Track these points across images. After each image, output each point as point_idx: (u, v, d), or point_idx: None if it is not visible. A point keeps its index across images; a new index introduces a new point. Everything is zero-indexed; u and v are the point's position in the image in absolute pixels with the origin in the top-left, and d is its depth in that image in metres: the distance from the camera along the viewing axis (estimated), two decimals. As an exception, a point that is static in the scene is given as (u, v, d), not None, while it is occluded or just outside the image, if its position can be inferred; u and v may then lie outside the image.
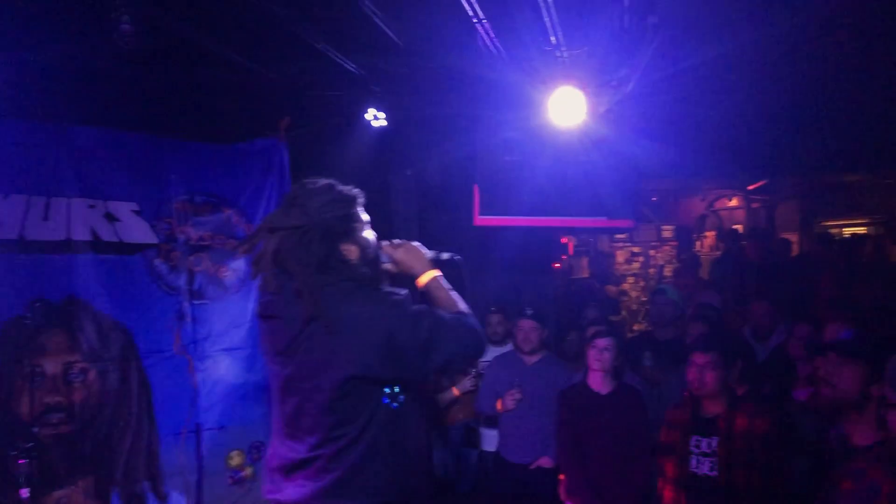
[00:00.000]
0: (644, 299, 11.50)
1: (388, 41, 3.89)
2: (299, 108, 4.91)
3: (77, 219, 4.51)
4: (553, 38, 3.53)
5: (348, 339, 2.35)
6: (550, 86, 4.08)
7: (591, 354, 4.55)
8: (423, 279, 2.63)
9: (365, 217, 2.59)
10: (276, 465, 2.53)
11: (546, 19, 3.26)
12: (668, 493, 3.86)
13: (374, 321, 2.35)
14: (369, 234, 2.58)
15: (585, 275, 11.75)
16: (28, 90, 4.22)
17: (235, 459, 5.03)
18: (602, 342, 4.54)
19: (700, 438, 3.73)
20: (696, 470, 3.71)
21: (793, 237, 10.92)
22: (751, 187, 11.52)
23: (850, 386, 2.62)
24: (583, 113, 4.15)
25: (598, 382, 4.55)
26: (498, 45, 3.64)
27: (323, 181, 2.56)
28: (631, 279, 12.63)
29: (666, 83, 3.99)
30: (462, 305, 2.56)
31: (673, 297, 5.66)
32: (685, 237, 12.55)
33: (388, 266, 2.65)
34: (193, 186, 4.99)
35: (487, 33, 3.45)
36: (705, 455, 3.69)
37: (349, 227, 2.50)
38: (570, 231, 9.48)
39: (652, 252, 12.87)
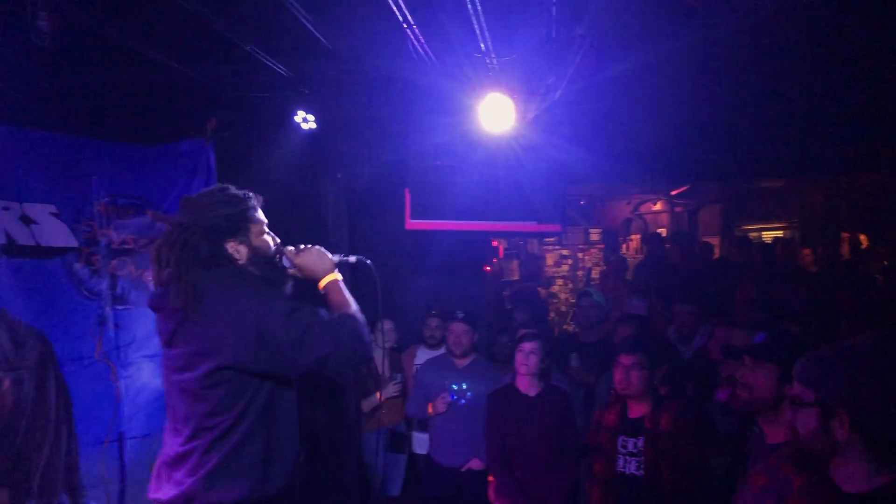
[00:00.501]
0: (573, 301, 11.71)
1: (318, 44, 3.86)
2: (227, 110, 4.83)
3: (-9, 220, 4.33)
4: (482, 46, 3.57)
5: (219, 330, 2.44)
6: (480, 92, 4.12)
7: (518, 358, 4.62)
8: (323, 282, 2.72)
9: (260, 219, 2.72)
10: (160, 462, 2.64)
11: (475, 26, 3.29)
12: (595, 493, 3.94)
13: (246, 314, 2.42)
14: (263, 237, 2.71)
15: (516, 277, 11.88)
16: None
17: (161, 468, 4.90)
18: (528, 346, 4.61)
19: (627, 438, 3.83)
20: (623, 469, 3.81)
21: (714, 241, 11.29)
22: (674, 192, 11.85)
23: (764, 387, 2.73)
24: (512, 119, 4.21)
25: (526, 385, 4.61)
26: (428, 50, 3.65)
27: (218, 185, 2.74)
28: (560, 281, 12.86)
29: (593, 91, 4.07)
30: (353, 309, 2.63)
31: (598, 300, 5.78)
32: (612, 240, 12.83)
33: (291, 271, 2.78)
34: (116, 188, 4.84)
35: (417, 39, 3.47)
36: (632, 455, 3.78)
37: (236, 227, 2.62)
38: (500, 235, 9.58)
39: (580, 255, 13.13)
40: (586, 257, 13.11)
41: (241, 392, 2.47)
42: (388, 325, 5.80)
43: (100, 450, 4.69)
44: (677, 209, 12.99)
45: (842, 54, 4.13)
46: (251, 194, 2.73)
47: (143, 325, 4.90)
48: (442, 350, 5.80)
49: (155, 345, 4.90)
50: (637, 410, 3.86)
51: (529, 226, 4.80)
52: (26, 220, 4.48)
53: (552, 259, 13.16)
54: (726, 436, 3.89)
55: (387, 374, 5.80)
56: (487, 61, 3.74)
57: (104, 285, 4.80)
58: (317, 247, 2.83)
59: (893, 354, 1.84)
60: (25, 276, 4.45)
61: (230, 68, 4.22)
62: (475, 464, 5.14)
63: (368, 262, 2.97)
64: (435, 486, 5.37)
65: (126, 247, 4.86)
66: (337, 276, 2.76)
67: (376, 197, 5.55)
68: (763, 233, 11.97)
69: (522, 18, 3.42)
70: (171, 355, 2.58)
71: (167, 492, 2.53)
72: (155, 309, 2.63)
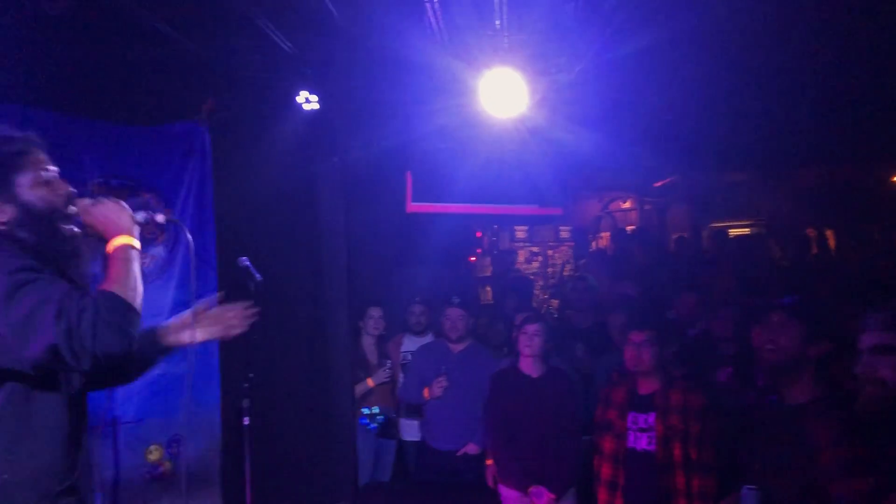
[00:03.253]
0: (545, 296, 11.78)
1: (328, 18, 3.82)
2: (226, 90, 4.76)
3: (-19, 201, 4.19)
4: (498, 23, 3.58)
5: None
6: (488, 72, 4.13)
7: (522, 340, 4.63)
8: (112, 245, 2.10)
9: (35, 165, 2.11)
10: None
11: (496, 1, 3.30)
12: (605, 470, 3.98)
13: None
14: (39, 188, 2.09)
15: (488, 273, 11.92)
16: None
17: (154, 454, 4.81)
18: (532, 328, 4.63)
19: (637, 415, 3.88)
20: (633, 445, 3.85)
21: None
22: (658, 184, 11.90)
23: (792, 344, 2.78)
24: (519, 100, 4.23)
25: (529, 366, 4.63)
26: (441, 26, 3.65)
27: None
28: (531, 278, 12.93)
29: (605, 70, 4.11)
30: (133, 292, 2.00)
31: (592, 284, 5.85)
32: (582, 238, 12.95)
33: (74, 230, 2.15)
34: (110, 169, 4.74)
35: (435, 13, 3.46)
36: (642, 430, 3.84)
37: None
38: (502, 218, 9.51)
39: (550, 252, 13.22)
40: (556, 254, 13.21)
41: None
42: (376, 311, 5.80)
43: (93, 435, 4.57)
44: (646, 207, 13.17)
45: (869, 34, 4.18)
46: (19, 134, 2.13)
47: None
48: (428, 337, 5.81)
49: (150, 328, 4.85)
50: (647, 387, 3.91)
51: (532, 209, 4.83)
52: (19, 200, 4.35)
53: (523, 256, 13.21)
54: (728, 412, 3.97)
55: (374, 360, 5.79)
56: (500, 38, 3.75)
57: (97, 268, 4.68)
58: (118, 201, 2.20)
59: None
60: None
61: (234, 42, 4.15)
62: (471, 448, 5.15)
63: (255, 272, 2.44)
64: (429, 471, 5.36)
65: (121, 228, 4.75)
66: (132, 241, 2.13)
67: (375, 181, 5.52)
68: (731, 230, 12.21)
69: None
70: None
71: None
72: None
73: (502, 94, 4.24)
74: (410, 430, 5.71)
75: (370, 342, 5.82)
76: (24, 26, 3.78)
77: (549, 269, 13.04)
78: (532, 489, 4.41)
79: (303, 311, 5.58)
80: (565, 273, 12.06)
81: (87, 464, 2.23)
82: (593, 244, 13.16)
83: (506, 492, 4.56)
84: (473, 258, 7.80)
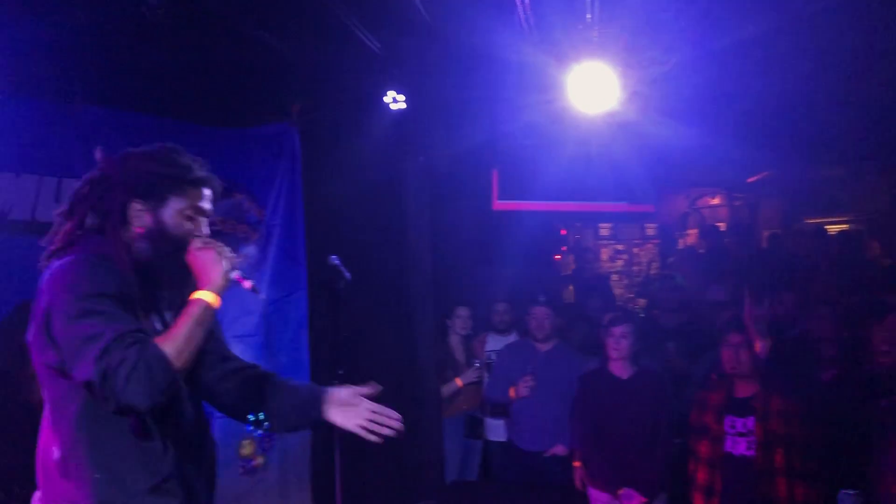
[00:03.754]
0: (630, 296, 11.57)
1: (416, 18, 3.82)
2: (315, 91, 4.83)
3: (88, 201, 4.37)
4: (588, 16, 3.51)
5: (37, 299, 2.06)
6: (577, 67, 4.06)
7: (609, 342, 4.53)
8: (195, 294, 2.10)
9: (191, 200, 2.18)
10: None
11: (587, -6, 3.23)
12: (701, 475, 3.88)
13: (46, 294, 2.00)
14: (182, 220, 2.16)
15: (569, 272, 11.78)
16: (38, 67, 4.09)
17: (247, 448, 4.92)
18: (619, 329, 4.52)
19: (735, 419, 3.76)
20: (731, 450, 3.73)
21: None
22: (751, 179, 11.46)
23: None
24: (608, 95, 4.14)
25: (619, 368, 4.53)
26: (530, 22, 3.60)
27: (170, 145, 2.25)
28: (615, 277, 12.70)
29: (700, 63, 3.97)
30: (184, 352, 1.98)
31: (681, 283, 5.68)
32: (668, 235, 12.64)
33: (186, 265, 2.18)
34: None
35: (524, 9, 3.41)
36: (741, 435, 3.72)
37: (151, 190, 2.13)
38: (590, 216, 9.34)
39: (635, 250, 12.97)
40: (641, 252, 12.95)
41: (51, 380, 2.05)
42: (464, 311, 5.79)
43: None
44: (736, 203, 12.76)
45: None
46: (198, 170, 2.22)
47: (231, 307, 4.91)
48: (512, 336, 5.78)
49: (244, 325, 4.96)
50: (744, 390, 3.78)
51: (621, 206, 4.72)
52: (120, 201, 4.52)
53: (606, 254, 13.01)
54: (836, 415, 3.80)
55: (462, 360, 5.79)
56: (590, 33, 3.67)
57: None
58: (225, 252, 2.19)
59: None
60: (120, 255, 4.49)
61: (323, 44, 4.20)
62: (559, 449, 5.08)
63: (345, 272, 2.41)
64: (515, 471, 5.33)
65: (215, 228, 4.87)
66: (212, 299, 2.10)
67: (460, 179, 5.51)
68: (826, 226, 11.70)
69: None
70: None
71: None
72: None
73: (592, 89, 4.16)
74: (496, 430, 5.69)
75: (457, 341, 5.83)
76: (120, 32, 3.92)
77: (635, 268, 12.80)
78: (622, 492, 4.33)
79: (389, 309, 5.62)
80: (651, 272, 11.81)
81: (200, 457, 2.28)
82: (680, 242, 12.84)
83: (595, 494, 4.49)
84: (559, 256, 7.70)
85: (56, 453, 2.07)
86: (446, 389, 5.66)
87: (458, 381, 5.65)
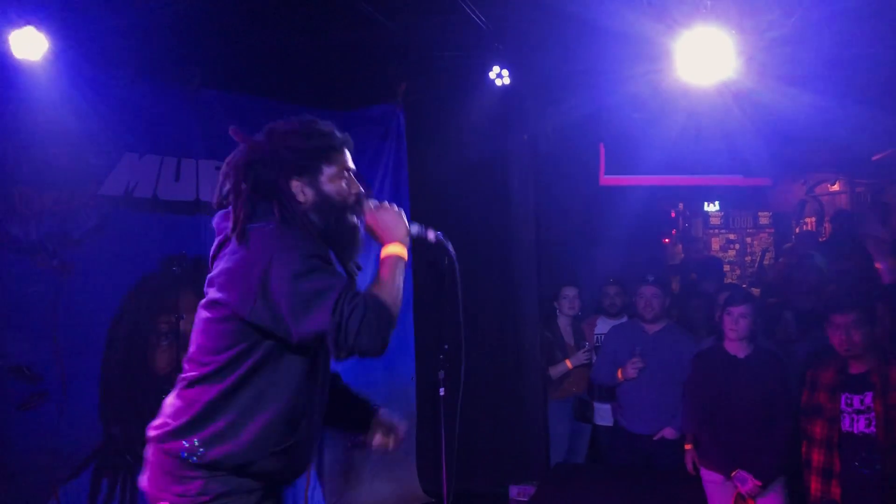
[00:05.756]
0: (744, 286, 11.14)
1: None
2: (421, 70, 4.87)
3: (205, 180, 4.58)
4: (700, -22, 3.38)
5: (235, 266, 2.13)
6: (688, 33, 3.91)
7: (726, 321, 4.34)
8: (385, 251, 2.25)
9: (338, 162, 2.30)
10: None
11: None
12: (816, 456, 3.70)
13: (258, 261, 2.08)
14: (337, 182, 2.28)
15: (677, 262, 11.45)
16: (158, 52, 4.29)
17: (356, 423, 5.01)
18: (737, 309, 4.32)
19: (851, 396, 3.59)
20: (850, 429, 3.54)
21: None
22: (876, 157, 10.78)
23: None
24: (723, 62, 3.96)
25: (735, 348, 4.35)
26: (640, -13, 3.50)
27: (307, 117, 2.34)
28: (727, 267, 12.25)
29: (823, 25, 3.75)
30: (392, 296, 2.13)
31: (821, 264, 5.34)
32: (784, 224, 12.09)
33: (357, 223, 2.33)
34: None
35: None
36: (859, 412, 3.53)
37: (304, 165, 2.25)
38: (701, 190, 8.99)
39: (748, 239, 12.47)
40: (755, 242, 12.44)
41: (236, 340, 2.15)
42: (571, 291, 5.70)
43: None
44: (858, 189, 12.07)
45: None
46: (340, 134, 2.34)
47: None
48: (623, 319, 5.64)
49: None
50: (859, 366, 3.58)
51: (735, 179, 4.52)
52: (234, 182, 4.70)
53: (718, 244, 12.56)
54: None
55: (570, 342, 5.71)
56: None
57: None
58: (398, 209, 2.37)
59: None
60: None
61: (432, 20, 4.23)
62: (668, 433, 4.93)
63: (450, 248, 2.46)
64: (623, 454, 5.20)
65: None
66: (402, 250, 2.27)
67: (566, 155, 5.44)
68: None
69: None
70: (207, 277, 2.29)
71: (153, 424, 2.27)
72: (215, 228, 2.33)
73: (703, 57, 3.99)
74: (604, 414, 5.58)
75: (566, 323, 5.74)
76: (239, 15, 4.06)
77: (747, 258, 12.32)
78: (735, 474, 4.15)
79: (494, 288, 5.61)
80: (766, 262, 11.33)
81: (317, 426, 2.36)
82: (797, 230, 12.26)
83: (707, 475, 4.33)
84: (667, 240, 7.49)
85: (208, 408, 2.15)
86: (555, 371, 5.59)
87: (568, 363, 5.57)
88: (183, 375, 2.25)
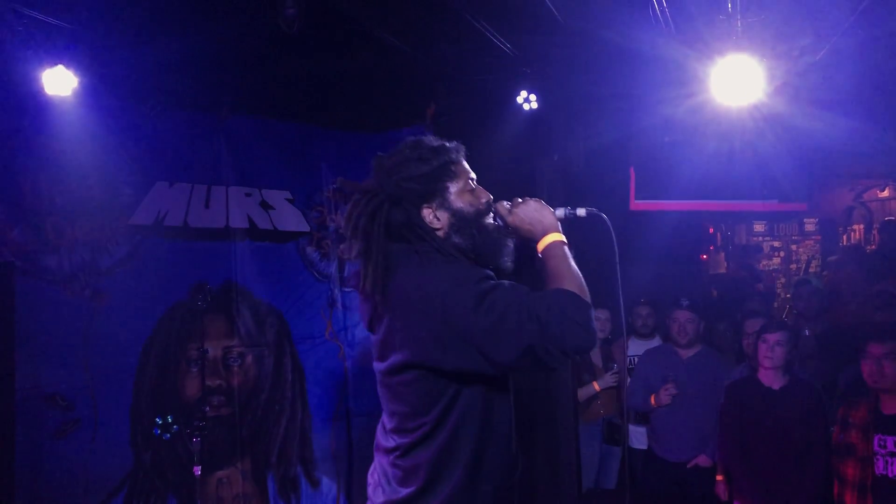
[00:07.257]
0: (787, 296, 10.90)
1: (548, 17, 3.74)
2: (448, 94, 4.85)
3: (235, 206, 4.63)
4: (729, 6, 3.29)
5: (404, 320, 2.02)
6: (718, 60, 3.82)
7: (762, 349, 4.24)
8: (543, 243, 2.15)
9: (461, 173, 2.18)
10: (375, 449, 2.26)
11: (727, -17, 3.03)
12: (849, 499, 3.57)
13: (432, 303, 1.95)
14: (467, 194, 2.17)
15: (722, 270, 11.22)
16: (186, 82, 4.34)
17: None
18: (773, 336, 4.22)
19: (885, 437, 3.47)
20: (885, 472, 3.41)
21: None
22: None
23: None
24: (756, 87, 3.87)
25: (770, 378, 4.24)
26: (668, 15, 3.43)
27: (413, 139, 2.20)
28: (772, 276, 11.98)
29: (857, 50, 3.64)
30: (575, 283, 2.01)
31: (818, 286, 5.25)
32: (830, 230, 11.77)
33: (498, 225, 2.23)
34: (343, 175, 5.01)
35: (661, 1, 3.25)
36: (894, 455, 3.38)
37: (432, 189, 2.11)
38: (735, 215, 8.84)
39: (794, 247, 12.18)
40: (800, 249, 12.14)
41: (439, 393, 2.02)
42: (602, 314, 5.61)
43: (329, 425, 4.88)
44: (910, 195, 11.70)
45: None
46: (451, 144, 2.20)
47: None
48: (655, 340, 5.55)
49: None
50: (893, 405, 3.44)
51: (770, 205, 4.40)
52: (265, 206, 4.76)
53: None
54: None
55: (599, 364, 5.63)
56: (733, 23, 3.45)
57: (333, 268, 5.01)
58: (534, 199, 2.26)
59: None
60: (264, 258, 4.73)
61: (455, 47, 4.21)
62: (702, 460, 4.84)
63: (603, 215, 2.32)
64: (656, 481, 5.11)
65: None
66: (560, 236, 2.16)
67: (595, 178, 5.36)
68: None
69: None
70: (373, 341, 2.18)
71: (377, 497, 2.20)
72: (353, 288, 2.28)
73: (735, 82, 3.90)
74: (638, 437, 5.50)
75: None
76: (263, 45, 4.08)
77: (792, 266, 12.03)
78: (770, 510, 4.06)
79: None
80: (811, 270, 11.06)
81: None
82: (844, 238, 11.93)
83: (741, 508, 4.23)
84: (705, 256, 7.33)
85: (435, 467, 2.07)
86: (583, 393, 5.52)
87: (596, 386, 5.51)
88: (390, 446, 2.14)
